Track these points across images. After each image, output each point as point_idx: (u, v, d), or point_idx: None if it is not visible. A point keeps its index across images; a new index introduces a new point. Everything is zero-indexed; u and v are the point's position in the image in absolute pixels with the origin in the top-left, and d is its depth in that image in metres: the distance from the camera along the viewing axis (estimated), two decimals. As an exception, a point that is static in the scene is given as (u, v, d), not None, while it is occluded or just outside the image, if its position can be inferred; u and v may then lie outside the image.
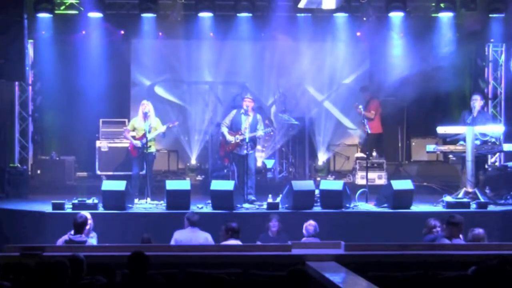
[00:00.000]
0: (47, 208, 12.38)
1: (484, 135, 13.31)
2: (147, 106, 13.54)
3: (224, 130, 13.55)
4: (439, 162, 16.63)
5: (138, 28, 15.60)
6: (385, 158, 15.63)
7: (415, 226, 11.22)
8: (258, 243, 10.97)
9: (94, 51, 15.78)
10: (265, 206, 12.62)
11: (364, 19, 15.73)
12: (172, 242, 10.42)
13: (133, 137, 13.65)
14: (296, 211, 12.34)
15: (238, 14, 15.21)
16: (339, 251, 8.60)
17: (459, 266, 7.92)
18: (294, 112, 16.16)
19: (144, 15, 15.11)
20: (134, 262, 7.35)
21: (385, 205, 12.73)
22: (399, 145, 17.18)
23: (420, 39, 15.99)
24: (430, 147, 13.74)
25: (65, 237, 10.11)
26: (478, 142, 13.24)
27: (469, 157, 13.06)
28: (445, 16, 15.40)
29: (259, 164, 15.15)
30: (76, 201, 12.27)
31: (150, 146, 13.41)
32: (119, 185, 12.47)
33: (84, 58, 15.79)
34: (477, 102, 13.64)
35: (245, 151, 13.18)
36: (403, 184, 12.86)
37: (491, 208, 12.79)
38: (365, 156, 14.55)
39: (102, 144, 15.79)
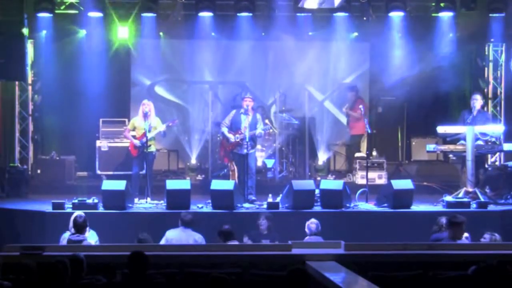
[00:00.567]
0: (47, 208, 12.38)
1: (484, 134, 13.31)
2: (148, 105, 13.53)
3: (224, 130, 13.55)
4: (439, 162, 16.63)
5: (138, 28, 15.58)
6: (385, 158, 15.64)
7: (415, 226, 11.24)
8: (245, 239, 11.00)
9: (94, 51, 15.78)
10: (265, 206, 12.62)
11: (364, 18, 15.73)
12: (163, 241, 10.43)
13: (133, 137, 13.65)
14: (296, 211, 12.34)
15: (238, 14, 15.20)
16: (339, 250, 8.60)
17: (459, 266, 7.93)
18: (294, 112, 16.18)
19: (144, 15, 15.10)
20: (134, 262, 7.36)
21: (385, 204, 12.73)
22: (399, 144, 17.19)
23: (420, 39, 15.99)
24: (430, 147, 13.75)
25: (64, 235, 10.13)
26: (481, 143, 13.24)
27: (469, 156, 13.07)
28: (445, 16, 15.39)
29: (259, 163, 15.14)
30: (76, 201, 12.27)
31: (150, 146, 13.40)
32: (119, 185, 12.47)
33: (84, 57, 15.78)
34: (477, 101, 13.64)
35: (245, 151, 13.18)
36: (403, 184, 12.86)
37: (491, 207, 12.79)
38: (364, 156, 14.55)
39: (102, 144, 15.79)
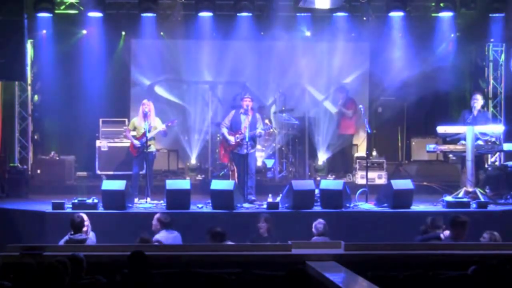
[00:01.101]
0: (47, 208, 12.38)
1: (484, 134, 13.32)
2: (147, 105, 13.53)
3: (224, 130, 13.54)
4: (439, 162, 16.63)
5: (138, 28, 15.59)
6: (385, 158, 15.64)
7: (415, 226, 11.21)
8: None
9: (94, 51, 15.78)
10: (265, 206, 12.61)
11: (364, 18, 15.74)
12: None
13: (134, 137, 13.65)
14: (296, 211, 12.34)
15: (238, 14, 15.21)
16: (339, 250, 8.60)
17: (459, 266, 7.92)
18: (294, 112, 16.18)
19: (144, 14, 15.10)
20: (134, 262, 7.36)
21: (385, 204, 12.73)
22: (399, 144, 17.19)
23: (420, 39, 16.00)
24: (430, 147, 13.75)
25: (66, 237, 10.12)
26: (481, 143, 13.24)
27: (469, 156, 13.07)
28: (445, 16, 15.40)
29: (259, 163, 15.14)
30: (76, 201, 12.27)
31: (150, 146, 13.41)
32: (119, 185, 12.47)
33: (84, 57, 15.79)
34: (477, 101, 13.65)
35: (245, 151, 13.18)
36: (403, 184, 12.86)
37: (491, 207, 12.79)
38: (365, 155, 14.56)
39: (102, 144, 15.80)
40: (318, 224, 10.58)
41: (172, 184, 12.80)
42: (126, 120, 15.97)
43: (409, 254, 8.58)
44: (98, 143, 15.83)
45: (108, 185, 12.67)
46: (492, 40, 16.05)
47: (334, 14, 15.39)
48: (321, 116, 16.67)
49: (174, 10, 15.42)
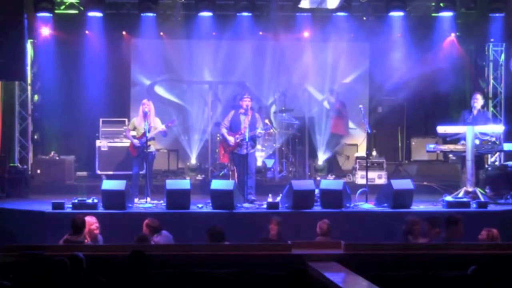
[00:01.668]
0: (47, 207, 12.37)
1: (484, 134, 13.31)
2: (147, 105, 13.53)
3: (224, 131, 13.54)
4: (439, 162, 16.65)
5: (138, 28, 15.59)
6: (385, 158, 15.65)
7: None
8: None
9: (94, 51, 15.79)
10: (265, 206, 12.61)
11: (364, 18, 15.75)
12: None
13: (134, 137, 13.65)
14: (296, 211, 12.33)
15: (238, 14, 15.22)
16: (339, 251, 8.59)
17: (459, 266, 7.92)
18: (294, 112, 16.18)
19: (144, 14, 15.10)
20: (134, 262, 7.36)
21: (385, 204, 12.72)
22: (399, 144, 17.20)
23: (420, 39, 16.01)
24: (430, 147, 13.74)
25: (65, 237, 10.13)
26: (477, 142, 13.24)
27: (469, 156, 13.07)
28: (445, 16, 15.40)
29: (259, 163, 15.15)
30: (76, 201, 12.26)
31: (150, 146, 13.41)
32: (119, 185, 12.46)
33: (84, 57, 15.80)
34: (478, 101, 13.66)
35: (245, 151, 13.17)
36: (403, 184, 12.85)
37: (491, 207, 12.78)
38: (365, 155, 14.56)
39: (102, 144, 15.80)
40: (323, 224, 10.54)
41: (172, 184, 12.79)
42: (126, 120, 15.98)
43: (409, 254, 8.57)
44: (98, 143, 15.84)
45: (108, 185, 12.66)
46: (492, 40, 16.05)
47: (334, 14, 15.39)
48: (321, 116, 16.67)
49: (174, 10, 15.43)
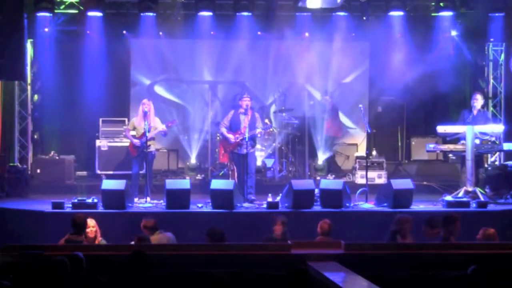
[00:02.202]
0: (47, 207, 12.37)
1: (484, 134, 13.32)
2: (147, 105, 13.53)
3: (224, 130, 13.54)
4: (439, 161, 16.65)
5: (138, 28, 15.59)
6: (385, 158, 15.66)
7: (415, 226, 11.19)
8: None
9: (94, 50, 15.78)
10: (265, 206, 12.61)
11: (364, 18, 15.75)
12: None
13: (133, 136, 13.65)
14: (296, 211, 12.33)
15: (238, 13, 15.22)
16: (339, 250, 8.58)
17: (459, 266, 7.92)
18: (294, 111, 16.18)
19: (144, 14, 15.10)
20: (134, 262, 7.36)
21: (385, 204, 12.72)
22: (399, 144, 17.20)
23: (420, 38, 16.02)
24: (430, 146, 13.75)
25: (66, 237, 10.13)
26: (477, 141, 13.25)
27: (469, 156, 13.07)
28: (445, 15, 15.40)
29: (259, 163, 15.15)
30: (76, 201, 12.27)
31: (150, 145, 13.41)
32: (119, 184, 12.46)
33: (84, 57, 15.79)
34: (478, 101, 13.67)
35: (245, 150, 13.17)
36: (403, 183, 12.85)
37: (491, 207, 12.79)
38: (365, 155, 14.57)
39: (102, 143, 15.80)
40: (324, 223, 10.51)
41: (172, 183, 12.79)
42: (126, 119, 15.99)
43: (409, 254, 8.56)
44: (98, 142, 15.84)
45: (108, 184, 12.67)
46: (492, 39, 16.05)
47: (334, 14, 15.39)
48: (321, 116, 16.67)
49: (174, 9, 15.44)
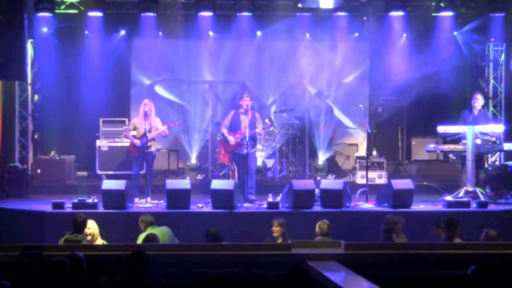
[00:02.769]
0: (47, 207, 12.37)
1: (484, 134, 13.31)
2: (148, 105, 13.53)
3: (224, 131, 13.53)
4: (439, 162, 16.64)
5: (138, 28, 15.59)
6: (385, 158, 15.65)
7: (415, 226, 11.22)
8: None
9: (94, 50, 15.78)
10: (265, 206, 12.61)
11: (364, 18, 15.74)
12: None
13: (134, 137, 13.65)
14: (296, 211, 12.33)
15: (238, 14, 15.22)
16: (339, 250, 8.58)
17: (459, 266, 7.91)
18: (294, 112, 16.18)
19: (144, 14, 15.10)
20: (134, 262, 7.35)
21: (385, 204, 12.72)
22: (399, 144, 17.19)
23: (420, 38, 16.02)
24: (430, 146, 13.75)
25: (65, 236, 10.13)
26: (478, 141, 13.25)
27: (469, 156, 13.06)
28: (445, 15, 15.40)
29: (259, 163, 15.15)
30: (76, 201, 12.26)
31: (150, 146, 13.41)
32: (119, 185, 12.46)
33: (84, 57, 15.79)
34: (478, 101, 13.67)
35: (245, 150, 13.17)
36: (403, 184, 12.85)
37: (491, 207, 12.78)
38: (365, 155, 14.57)
39: (102, 144, 15.80)
40: (323, 224, 10.50)
41: (172, 183, 12.80)
42: (126, 119, 15.98)
43: (409, 254, 8.56)
44: (98, 142, 15.84)
45: (108, 184, 12.67)
46: (492, 39, 16.04)
47: (334, 14, 15.39)
48: (322, 116, 16.67)
49: (174, 9, 15.44)
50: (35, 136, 15.99)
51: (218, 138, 15.03)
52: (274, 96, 16.54)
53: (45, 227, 12.01)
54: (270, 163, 15.78)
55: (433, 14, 15.71)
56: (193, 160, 16.24)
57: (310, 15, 15.65)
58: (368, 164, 14.00)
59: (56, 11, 14.92)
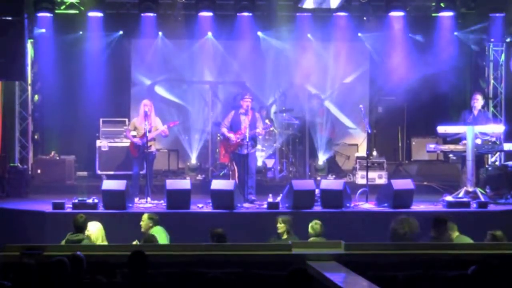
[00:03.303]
0: (47, 207, 12.38)
1: (484, 134, 13.32)
2: (148, 105, 13.54)
3: (224, 131, 13.53)
4: (439, 162, 16.64)
5: (138, 28, 15.59)
6: (385, 158, 15.65)
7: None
8: None
9: (94, 51, 15.79)
10: (265, 206, 12.61)
11: (365, 18, 15.74)
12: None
13: (134, 137, 13.65)
14: (296, 211, 12.32)
15: (238, 14, 15.22)
16: (340, 250, 8.58)
17: (459, 266, 7.91)
18: (294, 112, 16.18)
19: (144, 14, 15.10)
20: (134, 262, 7.35)
21: (385, 204, 12.73)
22: (399, 144, 17.19)
23: (420, 38, 16.02)
24: (430, 147, 13.75)
25: (66, 237, 10.14)
26: (479, 142, 13.25)
27: (469, 156, 13.07)
28: (446, 16, 15.40)
29: (259, 163, 15.14)
30: (76, 201, 12.27)
31: (150, 146, 13.41)
32: (120, 185, 12.47)
33: (84, 57, 15.79)
34: (478, 101, 13.67)
35: (245, 151, 13.17)
36: (403, 184, 12.86)
37: (492, 207, 12.79)
38: (365, 155, 14.57)
39: (103, 144, 15.80)
40: (315, 224, 10.52)
41: (173, 184, 12.80)
42: (127, 120, 15.98)
43: (409, 254, 8.56)
44: (98, 143, 15.84)
45: (108, 185, 12.67)
46: (492, 40, 16.03)
47: (334, 14, 15.39)
48: (320, 117, 16.66)
49: (174, 9, 15.44)
50: (35, 136, 16.00)
51: (218, 138, 15.04)
52: (274, 96, 16.54)
53: (45, 227, 12.02)
54: (270, 163, 15.78)
55: (433, 15, 15.70)
56: (193, 160, 16.24)
57: (310, 15, 15.64)
58: (368, 164, 14.00)
59: (56, 11, 14.91)
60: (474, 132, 13.08)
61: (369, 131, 14.03)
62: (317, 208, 12.56)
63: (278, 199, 12.84)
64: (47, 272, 7.02)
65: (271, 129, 15.01)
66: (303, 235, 10.68)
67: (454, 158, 15.65)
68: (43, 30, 15.25)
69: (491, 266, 7.30)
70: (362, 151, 16.15)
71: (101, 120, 16.02)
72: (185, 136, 16.51)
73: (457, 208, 12.27)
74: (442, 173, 15.71)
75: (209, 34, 16.09)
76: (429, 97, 16.11)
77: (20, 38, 13.83)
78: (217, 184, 12.76)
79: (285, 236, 10.65)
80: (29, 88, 15.71)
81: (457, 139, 13.62)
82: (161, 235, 10.57)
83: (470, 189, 13.02)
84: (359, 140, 17.10)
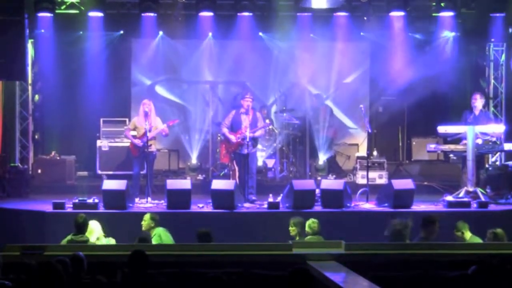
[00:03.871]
0: (47, 207, 12.38)
1: (485, 134, 13.32)
2: (148, 105, 13.54)
3: (225, 131, 13.52)
4: (440, 162, 16.64)
5: (139, 28, 15.59)
6: (385, 158, 15.65)
7: (415, 226, 11.18)
8: None
9: (95, 51, 15.79)
10: (265, 206, 12.61)
11: (365, 18, 15.74)
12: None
13: (134, 137, 13.65)
14: (296, 211, 12.31)
15: (238, 14, 15.22)
16: (340, 250, 8.58)
17: (459, 266, 7.91)
18: (295, 112, 16.18)
19: (144, 14, 15.10)
20: (134, 262, 7.35)
21: (386, 204, 12.72)
22: (400, 144, 17.19)
23: (421, 38, 16.01)
24: (431, 146, 13.75)
25: (68, 237, 10.15)
26: (479, 142, 13.24)
27: (470, 156, 13.06)
28: (446, 15, 15.40)
29: (260, 163, 15.14)
30: (76, 201, 12.27)
31: (151, 146, 13.41)
32: (120, 185, 12.47)
33: (85, 57, 15.80)
34: (478, 101, 13.67)
35: (246, 150, 13.17)
36: (404, 184, 12.85)
37: (492, 207, 12.79)
38: (365, 155, 14.57)
39: (103, 144, 15.80)
40: (312, 223, 10.50)
41: (173, 184, 12.81)
42: (127, 119, 15.98)
43: (409, 254, 8.56)
44: (98, 143, 15.84)
45: (108, 185, 12.68)
46: (492, 40, 16.03)
47: (334, 14, 15.39)
48: (321, 117, 16.67)
49: (174, 9, 15.44)
50: (36, 136, 16.00)
51: (219, 138, 15.04)
52: (275, 96, 16.54)
53: (45, 227, 12.01)
54: (270, 163, 15.78)
55: (434, 14, 15.69)
56: (194, 160, 16.24)
57: (311, 15, 15.63)
58: (369, 164, 14.00)
59: (56, 11, 14.90)
60: (475, 132, 13.07)
61: (370, 131, 14.03)
62: (318, 208, 12.56)
63: (279, 199, 12.84)
64: (47, 272, 7.01)
65: (271, 127, 15.00)
66: (303, 235, 10.68)
67: (455, 158, 15.65)
68: (44, 30, 15.25)
69: (491, 266, 7.30)
70: (363, 151, 16.15)
71: (101, 120, 16.03)
72: (185, 136, 16.52)
73: (457, 208, 12.27)
74: (442, 173, 15.71)
75: (209, 34, 16.08)
76: (429, 97, 16.10)
77: (20, 38, 13.84)
78: (217, 184, 12.77)
79: (297, 238, 10.63)
80: (30, 88, 15.72)
81: (457, 139, 13.62)
82: (166, 237, 10.56)
83: (471, 189, 13.01)
84: (360, 140, 17.10)
